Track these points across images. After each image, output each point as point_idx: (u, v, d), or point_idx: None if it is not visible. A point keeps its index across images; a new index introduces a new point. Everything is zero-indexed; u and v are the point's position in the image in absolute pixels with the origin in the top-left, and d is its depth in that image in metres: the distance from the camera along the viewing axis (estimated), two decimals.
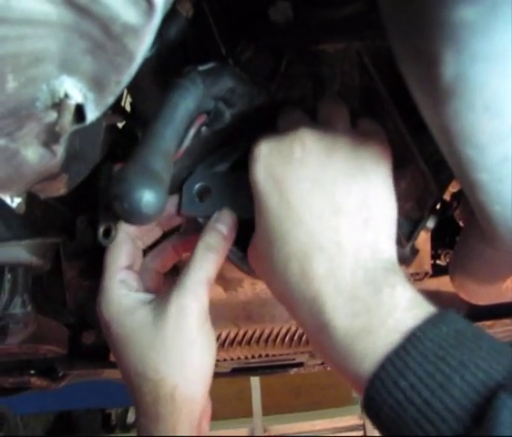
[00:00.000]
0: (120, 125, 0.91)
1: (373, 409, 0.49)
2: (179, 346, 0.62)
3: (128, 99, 0.83)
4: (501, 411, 0.41)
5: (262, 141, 0.62)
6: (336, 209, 0.56)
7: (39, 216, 0.83)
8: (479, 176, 0.47)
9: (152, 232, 0.72)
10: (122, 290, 0.66)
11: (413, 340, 0.47)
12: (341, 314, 0.52)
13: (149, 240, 0.73)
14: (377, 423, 0.49)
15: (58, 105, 0.44)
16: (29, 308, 0.94)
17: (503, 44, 0.37)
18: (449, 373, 0.45)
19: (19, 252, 0.85)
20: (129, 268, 0.68)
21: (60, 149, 0.51)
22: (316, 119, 0.66)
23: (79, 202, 0.93)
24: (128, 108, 0.87)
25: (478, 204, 0.52)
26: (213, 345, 0.65)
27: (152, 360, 0.62)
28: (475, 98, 0.40)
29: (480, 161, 0.45)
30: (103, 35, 0.38)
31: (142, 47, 0.39)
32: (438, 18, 0.36)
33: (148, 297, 0.66)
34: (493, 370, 0.44)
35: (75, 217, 0.95)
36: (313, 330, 0.55)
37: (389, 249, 0.57)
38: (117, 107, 0.78)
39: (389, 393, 0.47)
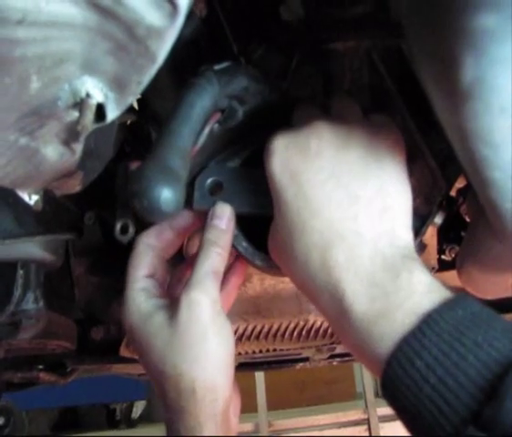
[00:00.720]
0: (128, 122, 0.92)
1: (390, 389, 0.50)
2: (192, 340, 0.63)
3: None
4: None
5: (278, 136, 0.63)
6: (354, 199, 0.58)
7: (50, 213, 0.84)
8: (492, 174, 0.48)
9: (173, 243, 0.73)
10: (141, 298, 0.67)
11: (429, 322, 0.49)
12: (360, 299, 0.54)
13: (172, 252, 0.74)
14: (394, 404, 0.51)
15: (80, 104, 0.45)
16: (41, 304, 0.95)
17: None
18: (464, 352, 0.46)
19: (32, 248, 0.86)
20: (151, 276, 0.70)
21: (79, 147, 0.53)
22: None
23: (87, 199, 0.94)
24: (135, 106, 0.87)
25: (490, 201, 0.53)
26: (229, 336, 0.66)
27: (170, 358, 0.63)
28: (492, 100, 0.42)
29: (494, 159, 0.47)
30: (126, 37, 0.39)
31: (164, 49, 0.40)
32: (459, 25, 0.38)
33: (165, 300, 0.68)
34: (506, 350, 0.45)
35: (83, 213, 0.96)
36: (334, 317, 0.57)
37: (406, 237, 0.58)
38: None
39: (406, 373, 0.48)
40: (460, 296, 0.51)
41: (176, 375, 0.62)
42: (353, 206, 0.58)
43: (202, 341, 0.63)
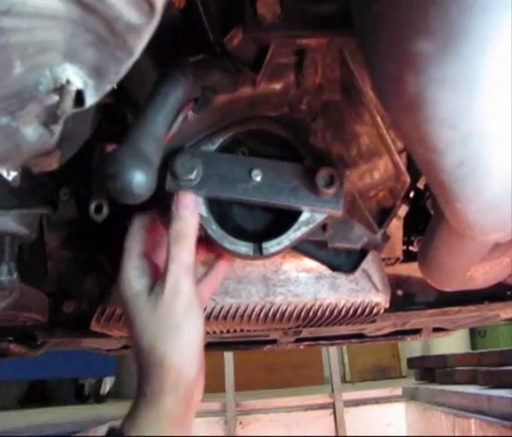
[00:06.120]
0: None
1: None
2: (168, 325, 0.69)
3: None
4: None
5: None
6: None
7: (25, 187, 0.86)
8: (439, 176, 0.51)
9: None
10: (133, 276, 0.73)
11: None
12: None
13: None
14: None
15: (60, 89, 0.47)
16: (15, 276, 0.96)
17: (453, 71, 0.43)
18: None
19: (7, 222, 0.88)
20: (145, 254, 0.75)
21: (58, 129, 0.55)
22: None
23: (63, 174, 0.95)
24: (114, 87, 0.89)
25: (441, 200, 0.57)
26: (200, 324, 0.72)
27: (147, 334, 0.70)
28: (431, 113, 0.46)
29: (439, 164, 0.50)
30: (106, 31, 0.42)
31: (141, 44, 0.43)
32: (400, 47, 0.42)
33: (154, 280, 0.73)
34: None
35: (58, 188, 0.97)
36: None
37: None
38: None
39: None
40: None
41: (149, 349, 0.69)
42: None
43: (176, 327, 0.69)
